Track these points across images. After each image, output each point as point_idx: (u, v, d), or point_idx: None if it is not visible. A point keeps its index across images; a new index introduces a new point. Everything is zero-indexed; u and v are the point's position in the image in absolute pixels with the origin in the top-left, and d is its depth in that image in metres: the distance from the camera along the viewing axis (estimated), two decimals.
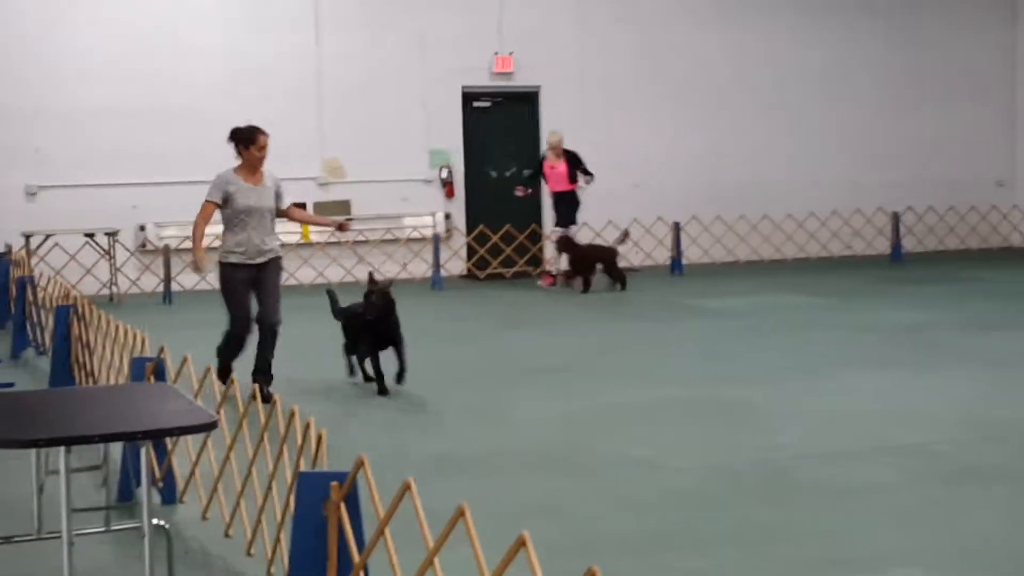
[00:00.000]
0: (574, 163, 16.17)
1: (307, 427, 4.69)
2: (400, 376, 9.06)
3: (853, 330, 11.95)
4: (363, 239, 17.74)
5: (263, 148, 8.72)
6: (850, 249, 20.10)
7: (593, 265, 15.78)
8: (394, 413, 8.61)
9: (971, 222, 20.91)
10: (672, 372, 9.96)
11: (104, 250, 16.21)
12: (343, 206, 17.81)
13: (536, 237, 18.42)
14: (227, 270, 8.83)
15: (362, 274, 17.63)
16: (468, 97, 18.50)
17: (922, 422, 7.86)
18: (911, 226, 20.34)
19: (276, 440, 5.11)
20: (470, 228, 18.31)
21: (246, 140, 8.70)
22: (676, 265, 18.13)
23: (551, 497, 6.35)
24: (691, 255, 18.77)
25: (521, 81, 18.67)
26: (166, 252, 16.07)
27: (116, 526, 5.25)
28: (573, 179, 16.14)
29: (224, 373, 8.85)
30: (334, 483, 3.96)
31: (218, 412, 5.39)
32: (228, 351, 9.07)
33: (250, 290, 8.88)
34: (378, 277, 9.22)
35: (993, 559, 5.26)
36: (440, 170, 18.32)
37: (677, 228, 18.33)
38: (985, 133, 21.14)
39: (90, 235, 16.09)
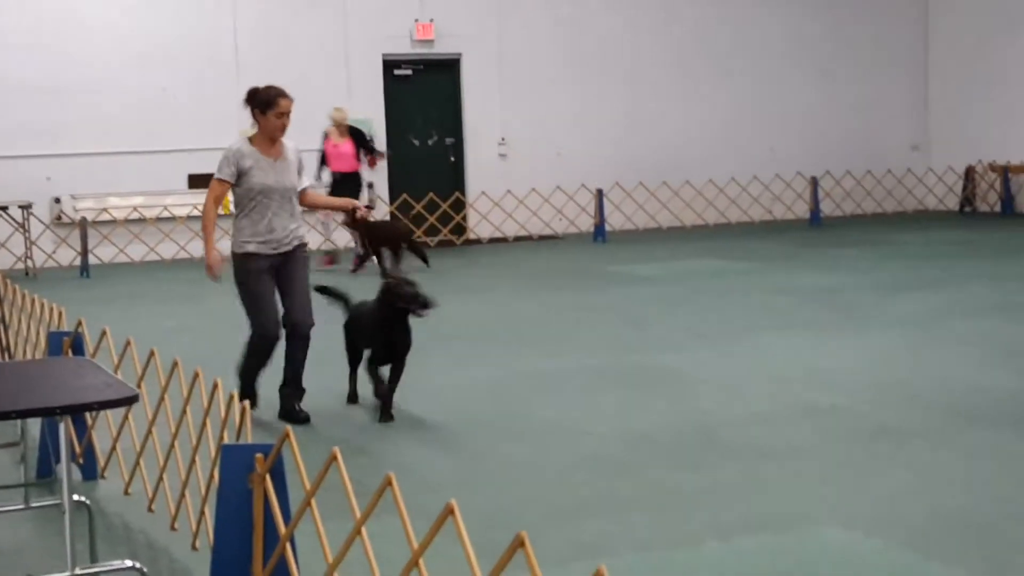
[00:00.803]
0: (360, 141, 15.34)
1: (230, 399, 4.66)
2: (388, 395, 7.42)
3: (773, 293, 12.11)
4: None
5: (285, 114, 7.13)
6: (770, 214, 20.35)
7: (386, 242, 14.64)
8: (316, 386, 8.56)
9: (887, 186, 21.25)
10: (594, 338, 10.01)
11: (18, 223, 15.94)
12: None
13: (460, 205, 18.42)
14: (243, 261, 7.17)
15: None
16: (389, 65, 18.39)
17: (839, 383, 7.98)
18: (829, 190, 20.64)
19: (199, 413, 5.07)
20: (393, 197, 18.24)
21: (263, 104, 7.10)
22: (599, 232, 18.20)
23: (475, 465, 6.37)
24: (614, 222, 18.87)
25: (442, 49, 18.59)
26: (83, 225, 15.81)
27: (36, 503, 5.18)
28: (359, 159, 15.32)
29: (249, 395, 7.27)
30: (259, 455, 3.94)
31: (139, 386, 5.33)
32: (252, 364, 7.40)
33: (273, 284, 7.30)
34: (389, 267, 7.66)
35: (907, 516, 5.37)
36: None
37: (600, 195, 18.40)
38: (899, 98, 21.49)
39: (3, 208, 15.81)
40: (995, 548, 4.94)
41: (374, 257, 14.73)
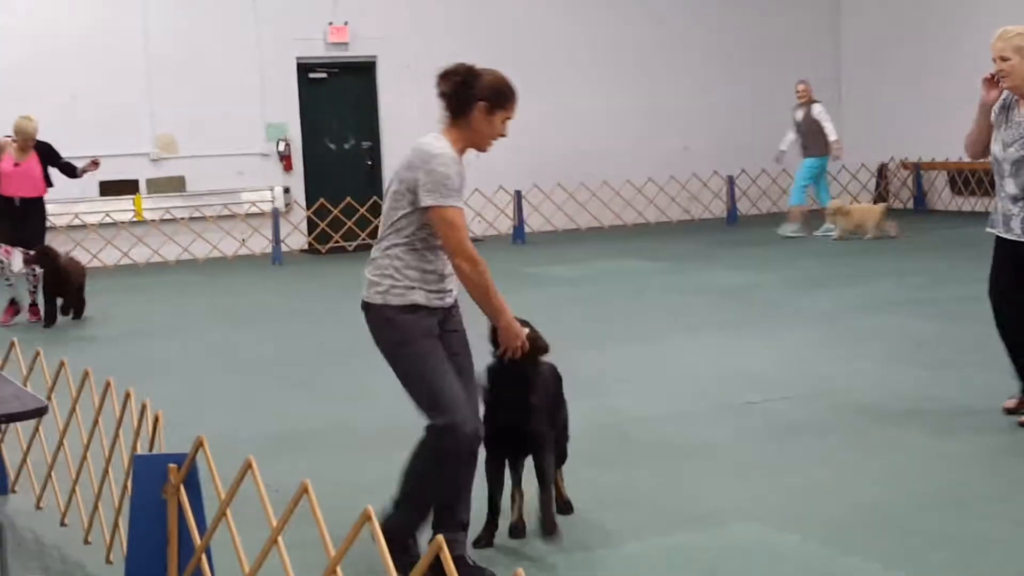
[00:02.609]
0: (49, 160, 11.95)
1: (143, 409, 4.61)
2: (543, 515, 5.03)
3: (689, 293, 12.22)
4: (199, 215, 17.42)
5: (510, 121, 4.84)
6: (688, 213, 20.50)
7: (71, 286, 11.77)
8: (234, 393, 8.51)
9: None
10: None
11: None
12: (178, 182, 17.47)
13: (378, 209, 18.35)
14: (405, 317, 4.65)
15: (201, 249, 17.42)
16: (303, 68, 18.26)
17: (754, 381, 8.07)
18: (745, 189, 20.84)
19: (112, 424, 5.01)
20: (310, 202, 18.14)
21: (498, 99, 4.73)
22: (518, 234, 18.24)
23: (389, 470, 6.32)
24: (533, 223, 18.91)
25: (357, 52, 18.50)
26: None
27: None
28: (49, 182, 12.00)
29: (459, 550, 4.67)
30: (172, 465, 3.91)
31: (49, 397, 5.26)
32: (453, 487, 4.77)
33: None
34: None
35: (823, 511, 5.45)
36: (277, 143, 18.09)
37: (519, 197, 18.43)
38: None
39: None
40: (909, 541, 5.03)
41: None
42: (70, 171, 12.08)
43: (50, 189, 12.09)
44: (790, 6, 21.47)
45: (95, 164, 12.25)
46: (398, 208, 4.63)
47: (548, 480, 5.01)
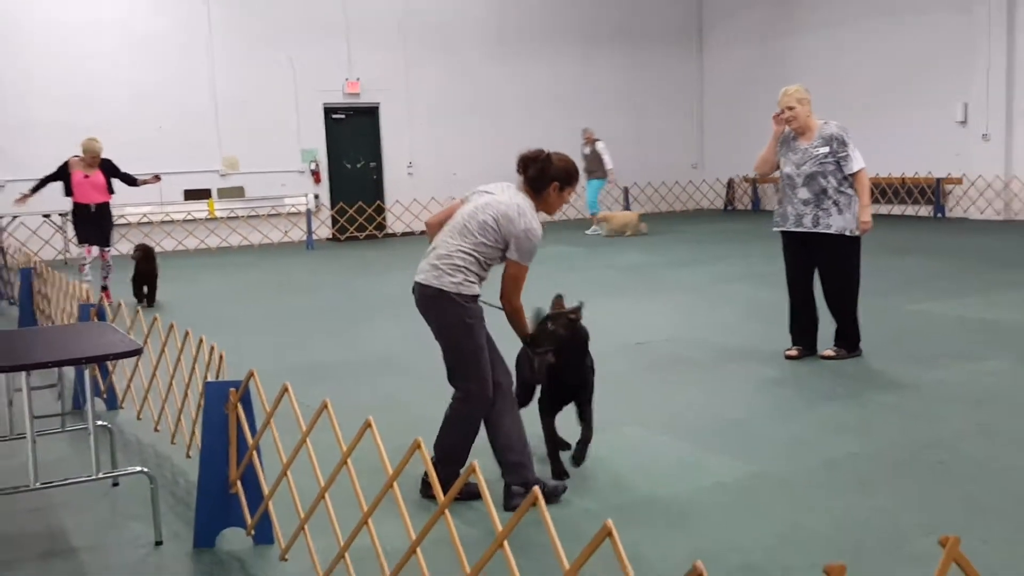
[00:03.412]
0: (111, 172, 10.65)
1: (212, 349, 4.54)
2: (580, 450, 4.57)
3: (603, 268, 12.22)
4: (254, 214, 17.24)
5: (573, 192, 4.49)
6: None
7: (155, 276, 10.50)
8: (277, 339, 8.41)
9: (676, 193, 21.61)
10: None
11: (58, 226, 15.34)
12: (239, 190, 17.27)
13: (380, 210, 18.26)
14: (470, 303, 4.31)
15: (256, 238, 17.25)
16: (328, 110, 18.08)
17: (645, 329, 8.10)
18: (636, 196, 20.89)
19: (189, 359, 4.93)
20: (333, 204, 18.01)
21: (569, 179, 4.40)
22: None
23: (392, 394, 6.32)
24: None
25: (366, 99, 18.35)
26: None
27: (70, 427, 5.00)
28: (111, 190, 10.67)
29: (448, 477, 4.26)
30: (232, 389, 3.86)
31: (145, 342, 5.17)
32: (464, 442, 4.31)
33: None
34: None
35: (690, 420, 5.48)
36: (309, 163, 17.92)
37: None
38: (684, 132, 21.86)
39: (47, 215, 15.19)
40: (752, 441, 5.06)
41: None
42: (130, 181, 10.79)
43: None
44: (668, 65, 21.49)
45: (156, 178, 11.08)
46: (484, 235, 4.26)
47: (592, 421, 4.74)
